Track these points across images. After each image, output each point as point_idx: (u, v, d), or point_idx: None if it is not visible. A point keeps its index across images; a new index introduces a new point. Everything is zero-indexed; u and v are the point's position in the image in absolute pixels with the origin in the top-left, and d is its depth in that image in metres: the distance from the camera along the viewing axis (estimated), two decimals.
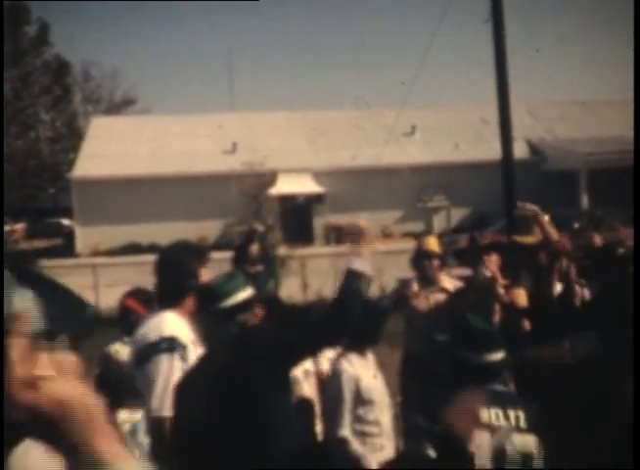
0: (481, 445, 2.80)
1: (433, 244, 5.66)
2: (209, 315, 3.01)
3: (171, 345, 3.11)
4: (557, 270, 4.82)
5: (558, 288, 4.89)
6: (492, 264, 4.79)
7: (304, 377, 4.16)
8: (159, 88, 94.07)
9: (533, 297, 4.72)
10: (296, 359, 3.02)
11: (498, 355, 3.04)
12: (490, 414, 2.84)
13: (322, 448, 4.05)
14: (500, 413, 2.86)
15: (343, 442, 3.91)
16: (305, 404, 4.16)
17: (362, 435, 3.97)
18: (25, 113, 44.19)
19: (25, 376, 1.16)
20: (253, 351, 2.86)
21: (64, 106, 49.38)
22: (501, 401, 2.91)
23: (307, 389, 4.18)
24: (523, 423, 2.87)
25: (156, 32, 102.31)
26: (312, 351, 3.26)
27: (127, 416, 3.48)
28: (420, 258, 5.60)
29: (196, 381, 2.91)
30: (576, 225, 19.31)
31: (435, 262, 5.60)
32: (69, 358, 1.46)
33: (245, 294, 3.02)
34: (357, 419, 3.97)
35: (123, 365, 4.08)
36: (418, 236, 5.99)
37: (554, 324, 4.52)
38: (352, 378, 3.96)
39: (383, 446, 4.04)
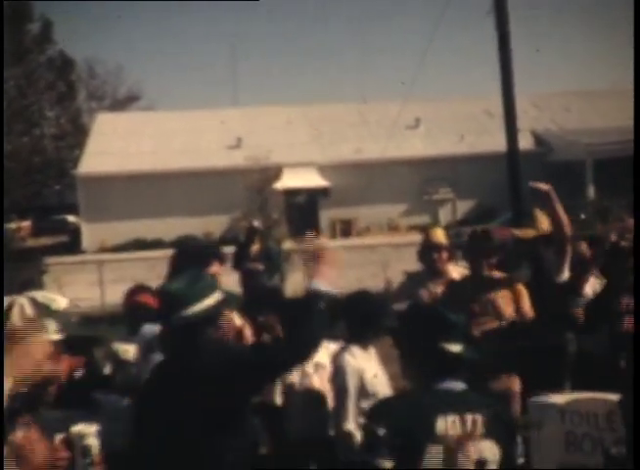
0: (434, 458, 2.61)
1: (440, 235, 5.55)
2: (169, 325, 2.75)
3: None
4: (567, 257, 4.78)
5: (565, 275, 4.84)
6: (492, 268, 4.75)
7: (315, 370, 4.16)
8: (162, 84, 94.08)
9: (535, 288, 4.68)
10: (254, 384, 2.79)
11: (455, 348, 2.77)
12: (447, 423, 2.63)
13: (329, 442, 4.05)
14: (457, 420, 2.65)
15: (348, 435, 3.90)
16: (316, 397, 4.17)
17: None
18: (30, 110, 44.19)
19: None
20: (210, 371, 2.65)
21: (68, 103, 49.40)
22: (459, 405, 2.70)
23: (317, 382, 4.19)
24: (479, 428, 2.67)
25: (159, 29, 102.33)
26: (272, 375, 3.01)
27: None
28: (427, 251, 5.48)
29: (149, 393, 2.82)
30: (583, 216, 19.27)
31: (444, 254, 5.53)
32: None
33: (212, 300, 2.75)
34: (362, 412, 3.92)
35: (132, 367, 4.07)
36: (424, 229, 5.87)
37: (559, 313, 4.49)
38: (356, 371, 3.95)
39: None
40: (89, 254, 29.09)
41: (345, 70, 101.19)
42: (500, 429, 2.71)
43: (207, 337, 2.71)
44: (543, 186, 4.95)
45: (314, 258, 2.88)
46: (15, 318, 3.39)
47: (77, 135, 45.19)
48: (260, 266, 11.35)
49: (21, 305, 3.42)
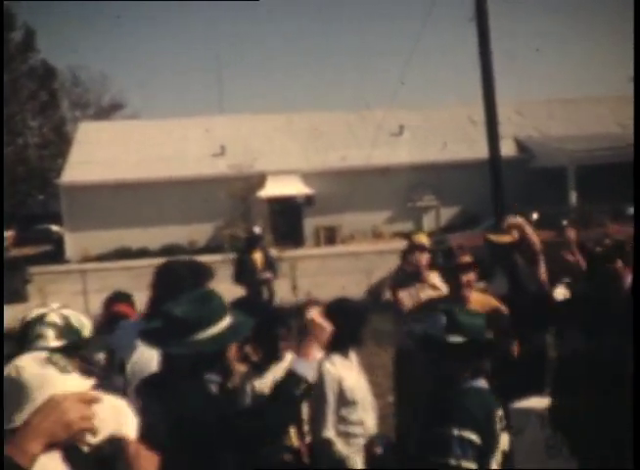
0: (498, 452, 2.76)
1: (423, 238, 5.75)
2: (171, 352, 2.55)
3: None
4: (540, 267, 4.83)
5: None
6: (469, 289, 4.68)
7: None
8: (147, 93, 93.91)
9: (510, 295, 4.73)
10: (223, 450, 2.52)
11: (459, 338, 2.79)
12: (499, 418, 2.78)
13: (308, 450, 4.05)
14: (500, 414, 2.81)
15: (328, 443, 3.90)
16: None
17: (346, 435, 3.96)
18: (13, 119, 43.98)
19: None
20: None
21: (51, 111, 49.18)
22: (496, 401, 2.85)
23: None
24: (503, 421, 2.82)
25: (143, 37, 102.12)
26: (226, 447, 2.63)
27: None
28: (410, 251, 5.65)
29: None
30: (565, 222, 19.36)
31: (425, 257, 5.61)
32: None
33: (218, 328, 2.53)
34: (341, 420, 3.96)
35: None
36: (408, 235, 5.87)
37: (532, 321, 4.53)
38: (335, 379, 3.95)
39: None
40: (73, 263, 28.95)
41: (330, 78, 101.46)
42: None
43: (206, 370, 2.53)
44: (516, 220, 5.01)
45: (307, 332, 2.79)
46: (43, 336, 3.16)
47: (61, 144, 45.02)
48: (270, 275, 10.93)
49: (53, 325, 3.19)
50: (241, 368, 4.18)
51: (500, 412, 2.81)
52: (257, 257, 10.65)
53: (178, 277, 3.33)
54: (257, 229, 11.66)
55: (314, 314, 2.90)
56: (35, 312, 3.32)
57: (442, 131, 34.01)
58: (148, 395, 2.61)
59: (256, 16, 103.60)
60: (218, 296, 2.66)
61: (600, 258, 5.01)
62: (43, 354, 2.50)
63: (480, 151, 19.29)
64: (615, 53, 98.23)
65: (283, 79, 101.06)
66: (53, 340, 3.23)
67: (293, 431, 4.00)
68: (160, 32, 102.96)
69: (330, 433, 3.91)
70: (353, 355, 4.20)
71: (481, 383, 2.85)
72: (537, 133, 34.55)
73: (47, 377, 2.37)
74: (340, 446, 3.92)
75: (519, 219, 4.98)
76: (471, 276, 4.63)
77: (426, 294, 5.45)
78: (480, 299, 4.70)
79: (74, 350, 3.22)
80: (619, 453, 3.01)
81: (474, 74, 13.74)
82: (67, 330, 3.24)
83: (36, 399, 2.30)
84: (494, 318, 4.30)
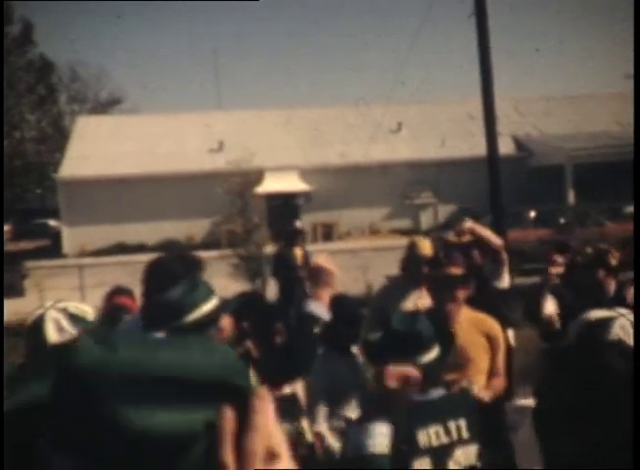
0: None
1: (427, 247, 5.26)
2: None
3: None
4: (503, 264, 4.77)
5: (506, 282, 4.83)
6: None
7: None
8: (145, 87, 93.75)
9: (475, 292, 4.50)
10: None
11: (429, 356, 2.68)
12: (430, 434, 2.56)
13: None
14: (440, 429, 2.59)
15: (319, 437, 3.91)
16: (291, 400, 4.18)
17: (341, 431, 3.96)
18: (10, 113, 43.87)
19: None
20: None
21: (49, 106, 49.08)
22: (440, 413, 2.63)
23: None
24: (464, 433, 2.62)
25: (141, 32, 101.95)
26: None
27: None
28: (413, 262, 5.21)
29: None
30: (562, 220, 19.40)
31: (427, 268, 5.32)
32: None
33: (210, 304, 2.69)
34: (334, 415, 3.98)
35: None
36: (407, 234, 5.66)
37: (500, 318, 4.44)
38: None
39: None
40: (70, 258, 28.90)
41: (329, 75, 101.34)
42: (487, 431, 2.69)
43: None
44: (466, 225, 4.82)
45: (316, 278, 2.81)
46: (51, 334, 3.23)
47: (59, 138, 44.93)
48: (305, 273, 10.47)
49: (55, 320, 3.26)
50: None
51: (448, 425, 2.61)
52: (298, 253, 10.23)
53: (168, 271, 3.36)
54: (299, 223, 11.28)
55: (320, 260, 2.89)
56: (33, 317, 3.33)
57: (441, 128, 34.02)
58: None
59: (255, 12, 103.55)
60: (204, 282, 2.83)
61: (581, 268, 5.01)
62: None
63: (478, 148, 19.31)
64: (613, 51, 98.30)
65: (281, 76, 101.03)
66: (60, 335, 3.24)
67: (306, 425, 4.01)
68: (158, 28, 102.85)
69: (321, 427, 3.94)
70: (355, 351, 4.21)
71: (432, 394, 2.69)
72: (536, 131, 34.55)
73: None
74: (331, 440, 3.94)
75: (470, 224, 4.88)
76: (460, 292, 4.06)
77: (423, 302, 5.00)
78: (471, 317, 4.15)
79: None
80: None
81: (472, 71, 13.73)
82: (72, 321, 3.26)
83: None
84: (491, 340, 4.20)
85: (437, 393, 2.71)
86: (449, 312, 3.97)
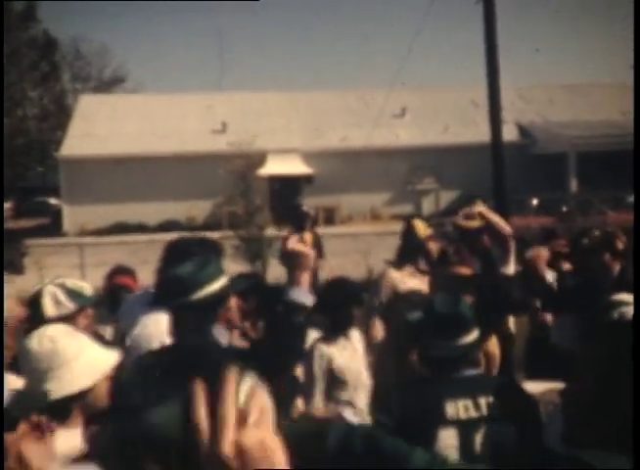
0: (447, 443, 2.59)
1: (423, 229, 5.20)
2: (179, 309, 2.68)
3: None
4: (510, 251, 4.69)
5: (511, 268, 4.76)
6: None
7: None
8: (148, 67, 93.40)
9: (483, 278, 4.47)
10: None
11: (470, 337, 2.81)
12: (458, 407, 2.61)
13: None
14: (470, 403, 2.63)
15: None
16: (292, 381, 4.20)
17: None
18: (13, 89, 43.68)
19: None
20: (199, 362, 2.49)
21: (51, 83, 48.91)
22: (471, 389, 2.68)
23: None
24: (495, 411, 2.65)
25: (145, 11, 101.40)
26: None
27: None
28: (410, 245, 5.13)
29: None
30: (564, 209, 19.39)
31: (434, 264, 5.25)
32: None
33: (219, 283, 2.67)
34: (331, 399, 4.00)
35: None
36: (406, 218, 5.49)
37: (506, 304, 4.41)
38: (324, 357, 3.98)
39: None
40: (70, 237, 28.90)
41: (333, 58, 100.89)
42: (515, 410, 2.70)
43: (212, 321, 2.65)
44: (477, 209, 4.63)
45: (292, 263, 2.77)
46: (48, 308, 3.29)
47: (61, 116, 44.80)
48: (319, 261, 10.16)
49: (52, 294, 3.33)
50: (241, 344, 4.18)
51: (479, 401, 2.65)
52: (307, 238, 9.65)
53: (188, 252, 3.35)
54: (306, 208, 11.15)
55: (292, 244, 2.82)
56: (32, 291, 3.36)
57: (444, 114, 33.89)
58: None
59: None
60: (216, 261, 2.84)
61: (587, 251, 5.03)
62: (67, 327, 2.52)
63: (481, 134, 19.24)
64: (617, 40, 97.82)
65: (285, 58, 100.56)
66: (58, 308, 3.27)
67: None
68: (163, 7, 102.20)
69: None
70: (356, 335, 4.21)
71: (468, 372, 2.79)
72: (540, 118, 34.44)
73: (82, 345, 2.38)
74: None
75: (481, 207, 4.82)
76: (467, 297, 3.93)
77: (418, 280, 5.01)
78: None
79: (87, 310, 3.41)
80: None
81: (478, 57, 13.62)
82: (69, 295, 3.29)
83: (73, 367, 2.30)
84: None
85: (471, 372, 2.79)
86: None
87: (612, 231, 5.14)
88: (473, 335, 2.82)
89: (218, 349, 2.66)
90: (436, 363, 2.80)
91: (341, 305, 4.07)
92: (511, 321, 5.17)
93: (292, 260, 2.75)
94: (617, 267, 4.91)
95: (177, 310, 2.68)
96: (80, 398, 2.33)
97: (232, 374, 0.98)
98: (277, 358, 2.68)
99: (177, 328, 2.69)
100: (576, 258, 5.51)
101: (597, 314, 3.31)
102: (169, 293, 2.70)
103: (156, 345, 3.04)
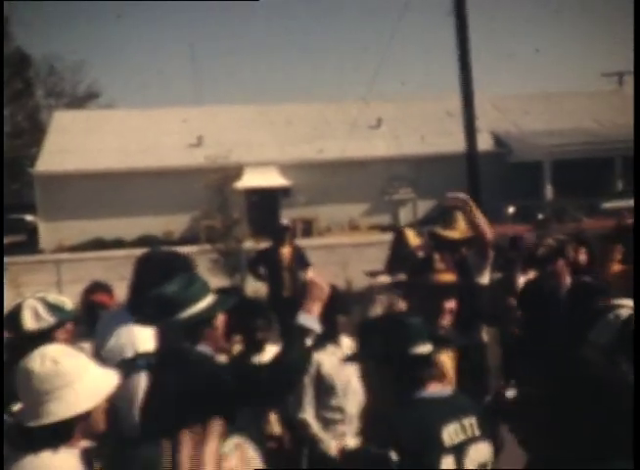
0: None
1: (413, 239, 5.37)
2: (165, 328, 2.69)
3: (149, 361, 2.98)
4: (488, 260, 4.68)
5: (487, 278, 4.74)
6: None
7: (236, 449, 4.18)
8: (122, 82, 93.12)
9: (459, 289, 4.39)
10: (227, 408, 2.49)
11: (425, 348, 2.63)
12: (450, 433, 2.51)
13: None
14: (458, 427, 2.54)
15: (303, 424, 4.01)
16: None
17: (325, 421, 4.05)
18: None
19: None
20: (188, 383, 2.52)
21: (25, 100, 48.58)
22: (458, 411, 2.59)
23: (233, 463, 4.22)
24: (476, 430, 2.58)
25: (118, 26, 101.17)
26: (248, 403, 2.73)
27: None
28: (401, 255, 5.26)
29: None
30: (540, 216, 19.55)
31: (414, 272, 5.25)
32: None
33: (205, 302, 2.71)
34: (321, 405, 4.04)
35: None
36: (387, 230, 5.49)
37: (481, 313, 4.46)
38: (313, 363, 3.97)
39: (344, 432, 4.07)
40: (47, 253, 28.66)
41: (307, 71, 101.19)
42: (489, 427, 2.67)
43: (199, 341, 2.65)
44: (461, 196, 4.64)
45: (307, 292, 2.84)
46: (28, 321, 3.28)
47: (35, 133, 44.46)
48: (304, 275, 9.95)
49: (32, 307, 3.31)
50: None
51: (463, 422, 2.56)
52: (286, 251, 9.68)
53: (162, 266, 3.36)
54: (285, 221, 11.06)
55: (311, 276, 2.99)
56: (11, 306, 3.34)
57: (420, 124, 34.06)
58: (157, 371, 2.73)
59: (233, 7, 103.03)
60: (201, 278, 2.89)
61: (541, 259, 5.21)
62: (66, 347, 2.52)
63: (457, 144, 19.36)
64: (589, 49, 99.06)
65: (260, 71, 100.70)
66: (37, 322, 3.25)
67: (274, 418, 4.05)
68: (134, 22, 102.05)
69: (305, 415, 4.01)
70: (346, 342, 4.22)
71: (429, 392, 2.62)
72: (514, 127, 34.73)
73: (84, 366, 2.37)
74: (315, 428, 4.01)
75: (464, 195, 4.74)
76: (452, 303, 3.88)
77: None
78: None
79: (67, 325, 3.41)
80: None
81: (452, 67, 13.74)
82: (49, 309, 3.28)
83: (77, 389, 2.28)
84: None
85: (447, 391, 2.72)
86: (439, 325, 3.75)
87: (564, 239, 5.30)
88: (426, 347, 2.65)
89: (204, 367, 2.63)
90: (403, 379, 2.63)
91: (327, 311, 4.07)
92: (485, 330, 5.19)
93: (309, 290, 2.84)
94: (568, 275, 5.10)
95: (163, 329, 2.69)
96: (83, 418, 2.32)
97: (217, 428, 1.11)
98: (284, 378, 2.69)
99: (162, 347, 2.69)
100: (534, 266, 5.75)
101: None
102: (154, 312, 2.70)
103: (129, 355, 3.06)
